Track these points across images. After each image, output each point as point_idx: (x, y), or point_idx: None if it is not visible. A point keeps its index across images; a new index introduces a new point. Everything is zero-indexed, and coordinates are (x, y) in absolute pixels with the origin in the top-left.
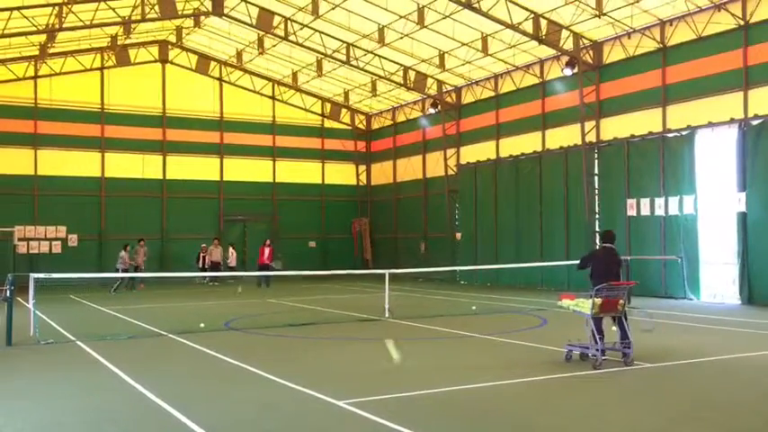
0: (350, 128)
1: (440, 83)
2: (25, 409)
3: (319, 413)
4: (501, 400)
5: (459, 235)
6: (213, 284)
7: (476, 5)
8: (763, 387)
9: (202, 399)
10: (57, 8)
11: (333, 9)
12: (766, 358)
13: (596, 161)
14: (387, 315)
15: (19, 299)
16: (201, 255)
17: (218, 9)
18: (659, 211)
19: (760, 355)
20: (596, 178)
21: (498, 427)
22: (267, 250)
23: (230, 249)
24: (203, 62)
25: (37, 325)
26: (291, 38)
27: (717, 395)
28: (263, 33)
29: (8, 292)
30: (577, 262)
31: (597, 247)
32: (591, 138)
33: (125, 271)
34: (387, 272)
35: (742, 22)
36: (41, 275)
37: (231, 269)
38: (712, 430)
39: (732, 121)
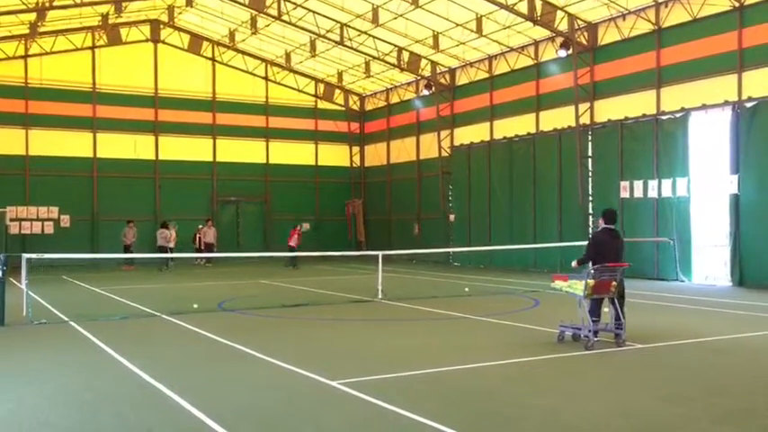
0: (343, 109)
1: (434, 64)
2: (18, 390)
3: (312, 393)
4: (493, 380)
5: (452, 217)
6: (207, 265)
7: None
8: (754, 368)
9: (196, 379)
10: None
11: None
12: (757, 339)
13: (590, 143)
14: (380, 296)
15: (11, 279)
16: (198, 236)
17: None
18: (652, 194)
19: (751, 336)
20: (590, 160)
21: (490, 407)
22: (295, 234)
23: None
24: (195, 42)
25: (30, 305)
26: (285, 17)
27: (708, 376)
28: (256, 13)
29: (0, 272)
30: (578, 245)
31: (599, 231)
32: (585, 120)
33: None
34: (380, 253)
35: (737, 4)
36: (34, 256)
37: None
38: (704, 410)
39: (726, 103)
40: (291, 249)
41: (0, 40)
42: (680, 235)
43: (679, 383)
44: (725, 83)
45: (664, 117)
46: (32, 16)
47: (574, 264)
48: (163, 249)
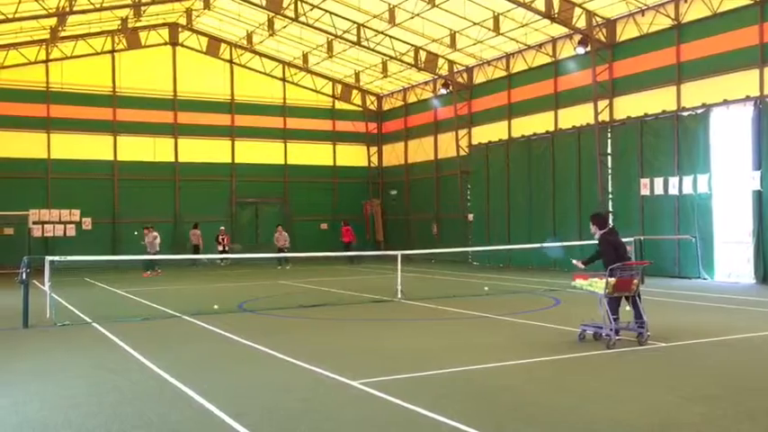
0: (361, 109)
1: (451, 63)
2: (43, 390)
3: (334, 393)
4: (514, 379)
5: (471, 216)
6: (287, 267)
7: None
8: None
9: (217, 379)
10: None
11: None
12: None
13: (609, 140)
14: (399, 296)
15: (35, 282)
16: (221, 237)
17: None
18: (673, 191)
19: None
20: (609, 158)
21: (512, 406)
22: (350, 229)
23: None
24: (214, 44)
25: (53, 307)
26: (302, 19)
27: (731, 374)
28: (274, 14)
29: (24, 274)
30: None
31: (606, 233)
32: (604, 117)
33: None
34: (399, 253)
35: None
36: (56, 258)
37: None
38: (726, 409)
39: (748, 98)
40: (348, 247)
41: (22, 45)
42: (702, 232)
43: (702, 382)
44: (746, 78)
45: (684, 113)
46: (53, 21)
47: (576, 262)
48: (197, 249)
